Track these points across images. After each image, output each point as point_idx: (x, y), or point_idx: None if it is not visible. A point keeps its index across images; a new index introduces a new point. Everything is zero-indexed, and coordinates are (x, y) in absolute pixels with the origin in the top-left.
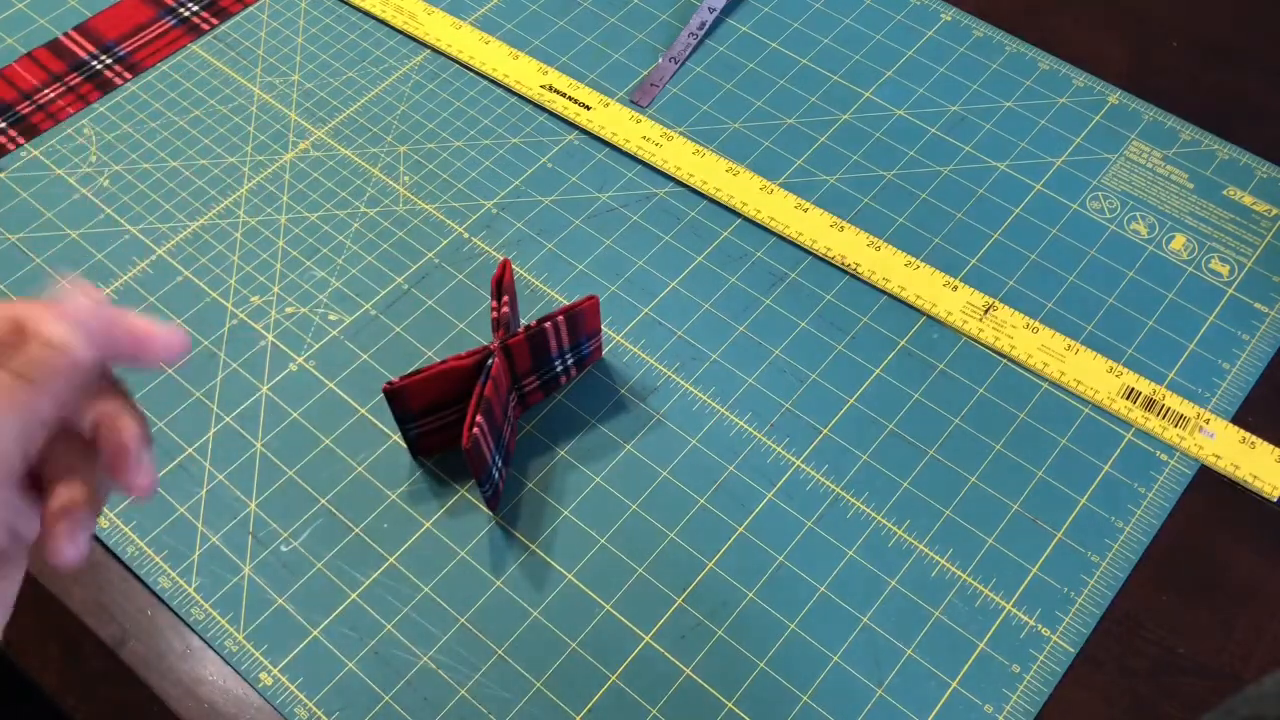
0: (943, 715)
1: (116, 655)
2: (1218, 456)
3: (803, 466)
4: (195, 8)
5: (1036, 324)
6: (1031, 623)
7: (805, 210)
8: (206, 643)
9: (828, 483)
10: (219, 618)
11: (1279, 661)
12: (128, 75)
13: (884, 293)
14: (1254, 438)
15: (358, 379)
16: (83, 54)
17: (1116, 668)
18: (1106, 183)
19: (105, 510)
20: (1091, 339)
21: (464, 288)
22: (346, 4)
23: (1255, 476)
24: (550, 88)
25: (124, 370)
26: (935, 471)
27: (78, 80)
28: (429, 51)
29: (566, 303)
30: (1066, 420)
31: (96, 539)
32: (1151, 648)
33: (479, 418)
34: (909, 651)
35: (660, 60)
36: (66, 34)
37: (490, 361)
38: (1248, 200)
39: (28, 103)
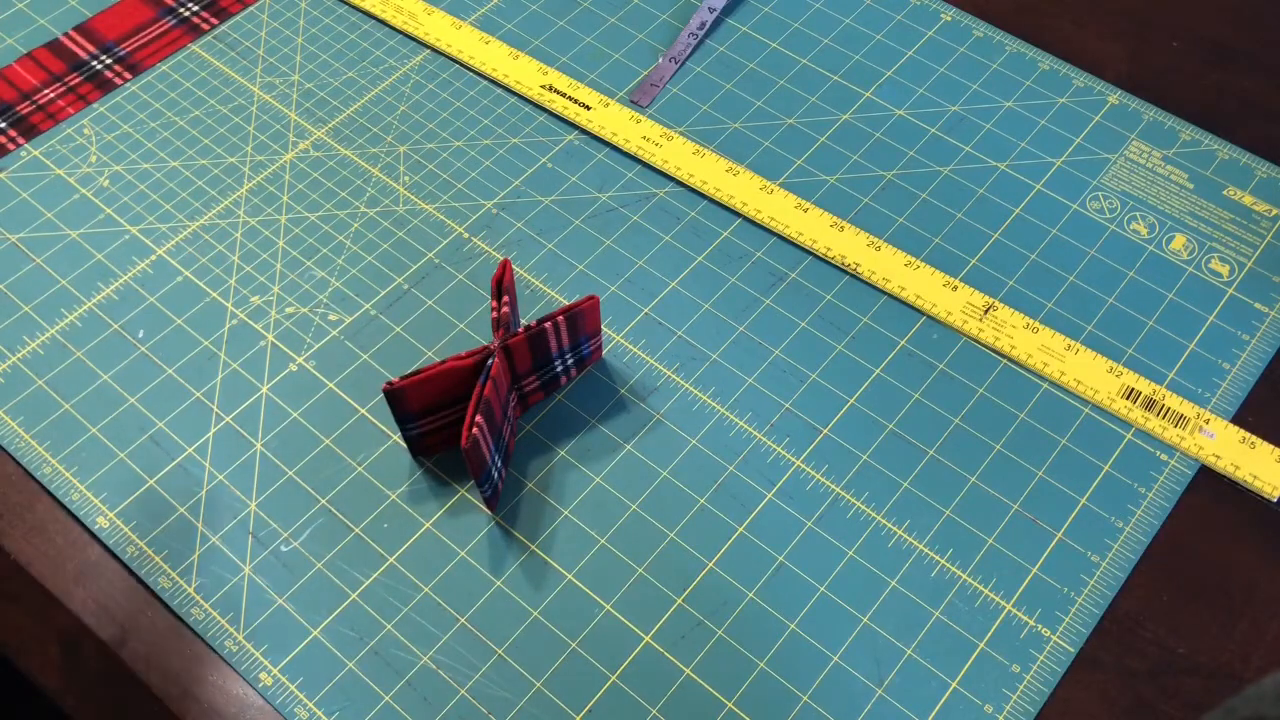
0: (943, 715)
1: (116, 655)
2: (1218, 456)
3: (803, 466)
4: (195, 8)
5: (1036, 324)
6: (1031, 623)
7: (805, 210)
8: (206, 643)
9: (828, 483)
10: (219, 618)
11: (1279, 661)
12: (128, 75)
13: (884, 293)
14: (1254, 438)
15: (358, 379)
16: (83, 54)
17: (1116, 668)
18: (1106, 183)
19: (105, 510)
20: (1091, 339)
21: (464, 288)
22: (346, 4)
23: (1255, 476)
24: (550, 88)
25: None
26: (935, 471)
27: (78, 80)
28: (429, 51)
29: (566, 303)
30: (1066, 420)
31: (96, 539)
32: (1151, 648)
33: (478, 418)
34: (909, 651)
35: (660, 60)
36: (66, 34)
37: (490, 361)
38: (1248, 200)
39: (28, 103)
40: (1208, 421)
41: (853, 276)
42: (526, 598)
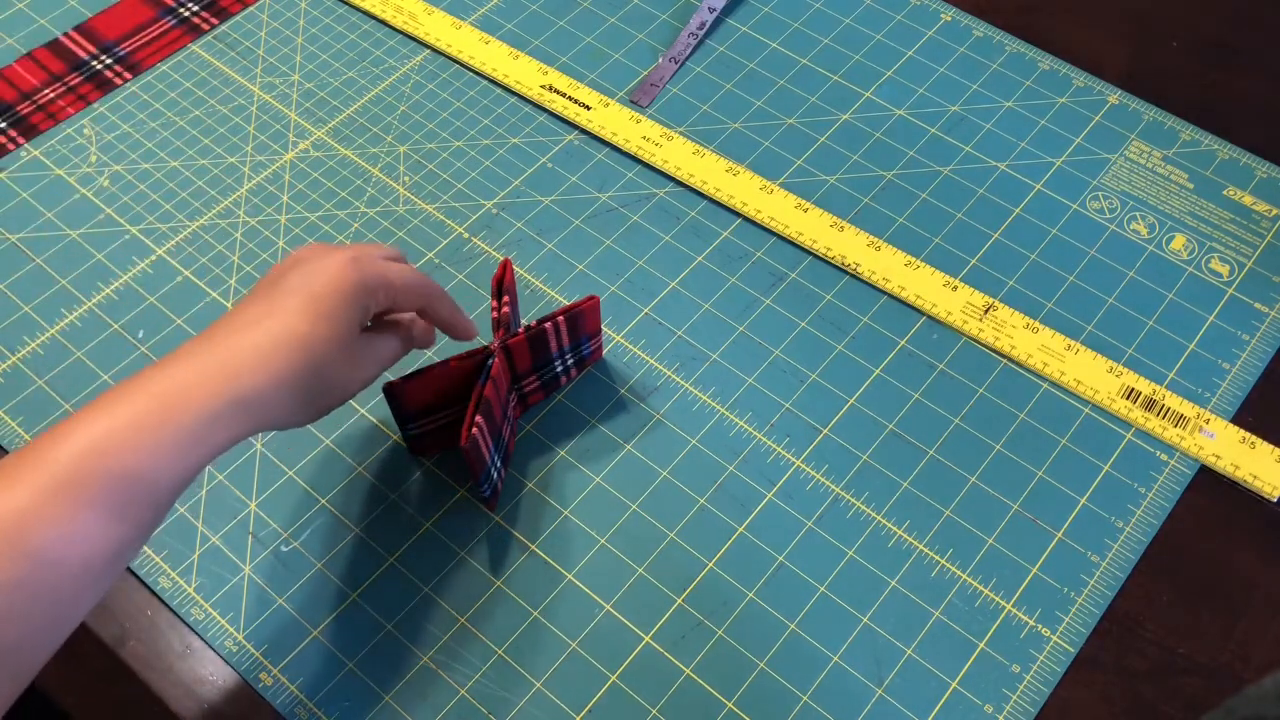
0: (943, 715)
1: (116, 655)
2: (1218, 456)
3: (803, 466)
4: (195, 8)
5: (1036, 324)
6: (1031, 623)
7: (805, 210)
8: (206, 643)
9: (828, 483)
10: (219, 618)
11: (1279, 661)
12: (128, 75)
13: (884, 293)
14: (1254, 438)
15: None
16: (83, 54)
17: (1116, 668)
18: (1106, 183)
19: None
20: (1091, 339)
21: (464, 288)
22: (346, 4)
23: (1255, 476)
24: (550, 88)
25: None
26: (935, 471)
27: (78, 80)
28: (429, 51)
29: (566, 303)
30: (1066, 420)
31: None
32: (1151, 648)
33: (478, 417)
34: (909, 651)
35: (660, 60)
36: (66, 34)
37: (490, 361)
38: (1248, 200)
39: (28, 103)
40: (1208, 421)
41: (853, 276)
42: (526, 598)
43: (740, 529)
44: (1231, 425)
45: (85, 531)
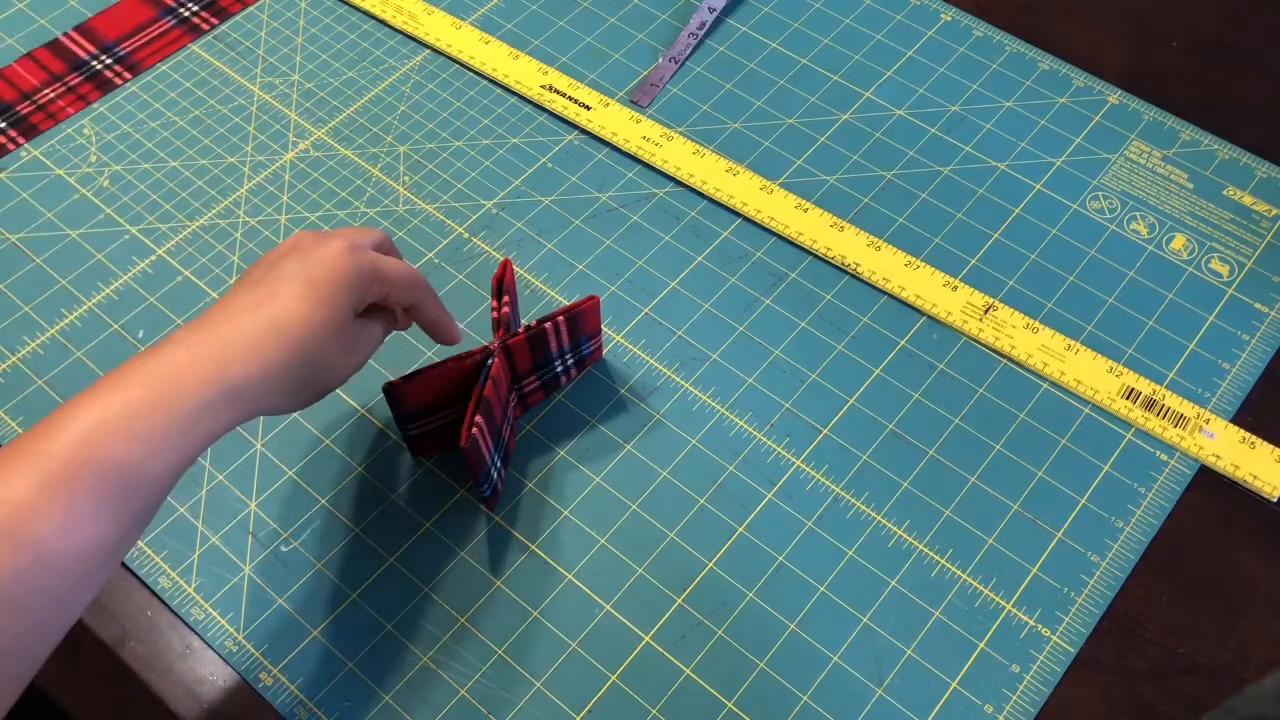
0: (943, 715)
1: (116, 655)
2: (1218, 456)
3: (803, 466)
4: (195, 8)
5: (1036, 324)
6: (1031, 623)
7: (805, 210)
8: (206, 643)
9: (828, 483)
10: (219, 618)
11: (1279, 661)
12: (128, 75)
13: (884, 293)
14: (1254, 438)
15: (357, 379)
16: (83, 54)
17: (1116, 668)
18: (1106, 183)
19: None
20: (1091, 339)
21: (464, 288)
22: (346, 4)
23: (1255, 476)
24: (550, 88)
25: None
26: (935, 471)
27: (78, 80)
28: (429, 51)
29: (566, 303)
30: (1066, 420)
31: None
32: (1151, 648)
33: (478, 417)
34: (909, 651)
35: (660, 60)
36: (66, 34)
37: (490, 361)
38: (1248, 200)
39: (28, 103)
40: (1208, 421)
41: (853, 276)
42: (526, 598)
43: (740, 529)
44: (1231, 425)
45: (82, 523)
